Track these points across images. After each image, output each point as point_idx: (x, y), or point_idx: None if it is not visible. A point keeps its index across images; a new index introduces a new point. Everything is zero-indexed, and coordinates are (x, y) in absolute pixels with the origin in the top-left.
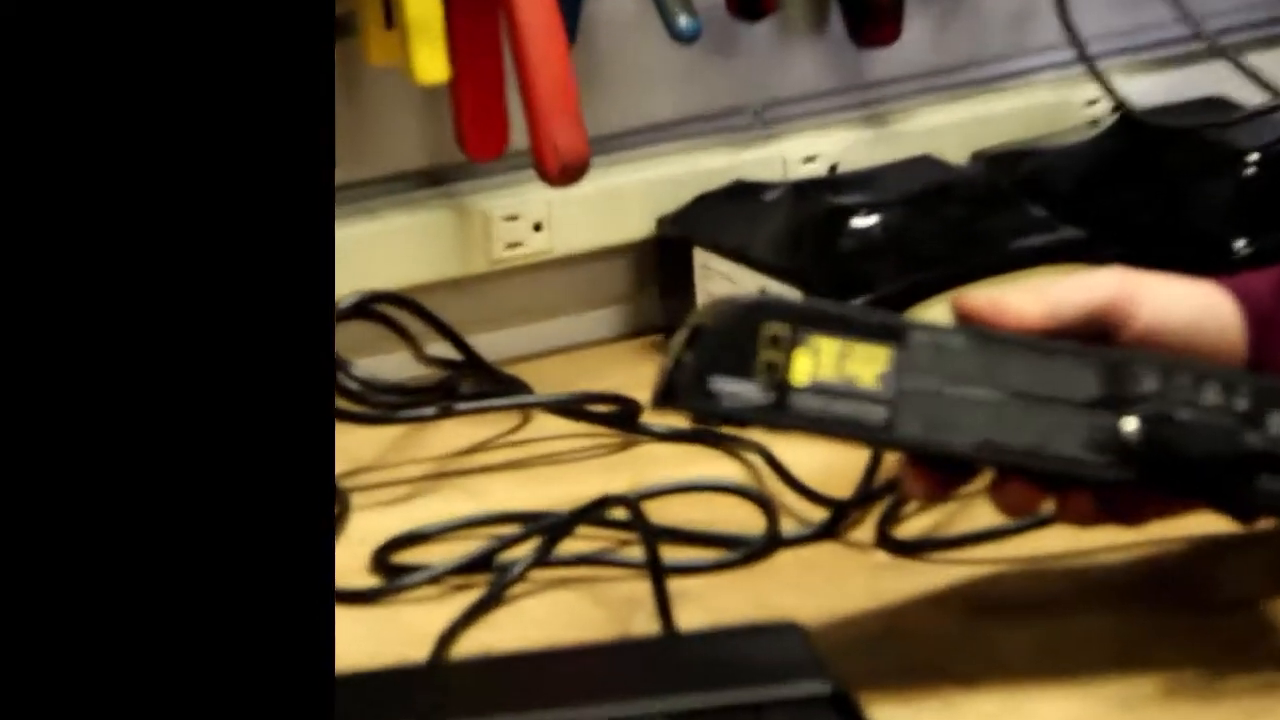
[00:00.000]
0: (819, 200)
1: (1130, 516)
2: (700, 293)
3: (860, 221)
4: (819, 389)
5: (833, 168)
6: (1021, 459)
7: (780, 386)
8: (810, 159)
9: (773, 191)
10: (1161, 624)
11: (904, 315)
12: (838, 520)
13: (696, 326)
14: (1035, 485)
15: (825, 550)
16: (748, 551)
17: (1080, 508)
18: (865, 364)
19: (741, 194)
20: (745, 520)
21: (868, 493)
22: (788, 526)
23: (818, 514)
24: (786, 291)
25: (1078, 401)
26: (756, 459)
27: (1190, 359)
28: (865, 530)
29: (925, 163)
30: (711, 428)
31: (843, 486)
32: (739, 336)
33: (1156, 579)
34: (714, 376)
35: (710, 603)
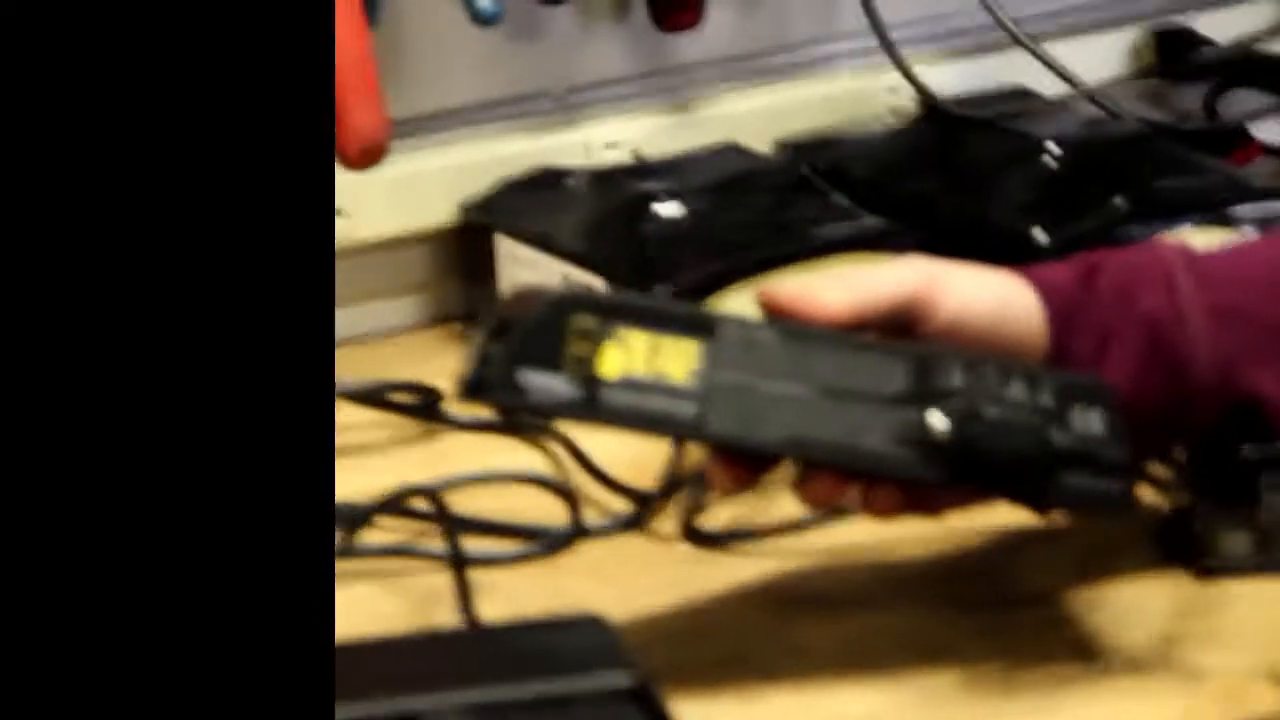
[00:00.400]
0: (622, 187)
1: (932, 508)
2: (503, 280)
3: (663, 209)
4: (629, 383)
5: (636, 154)
6: (830, 454)
7: (590, 380)
8: (613, 145)
9: (576, 178)
10: (962, 616)
11: (715, 309)
12: (642, 512)
13: (503, 317)
14: (841, 478)
15: (629, 542)
16: (550, 543)
17: (885, 501)
18: (675, 358)
19: (544, 181)
20: (549, 511)
21: (672, 484)
22: (591, 518)
23: (622, 505)
24: (590, 279)
25: (885, 397)
26: (560, 450)
27: (995, 355)
28: (669, 522)
29: (728, 150)
30: (517, 419)
31: (647, 478)
32: (548, 329)
33: (956, 572)
34: (522, 369)
35: (513, 594)
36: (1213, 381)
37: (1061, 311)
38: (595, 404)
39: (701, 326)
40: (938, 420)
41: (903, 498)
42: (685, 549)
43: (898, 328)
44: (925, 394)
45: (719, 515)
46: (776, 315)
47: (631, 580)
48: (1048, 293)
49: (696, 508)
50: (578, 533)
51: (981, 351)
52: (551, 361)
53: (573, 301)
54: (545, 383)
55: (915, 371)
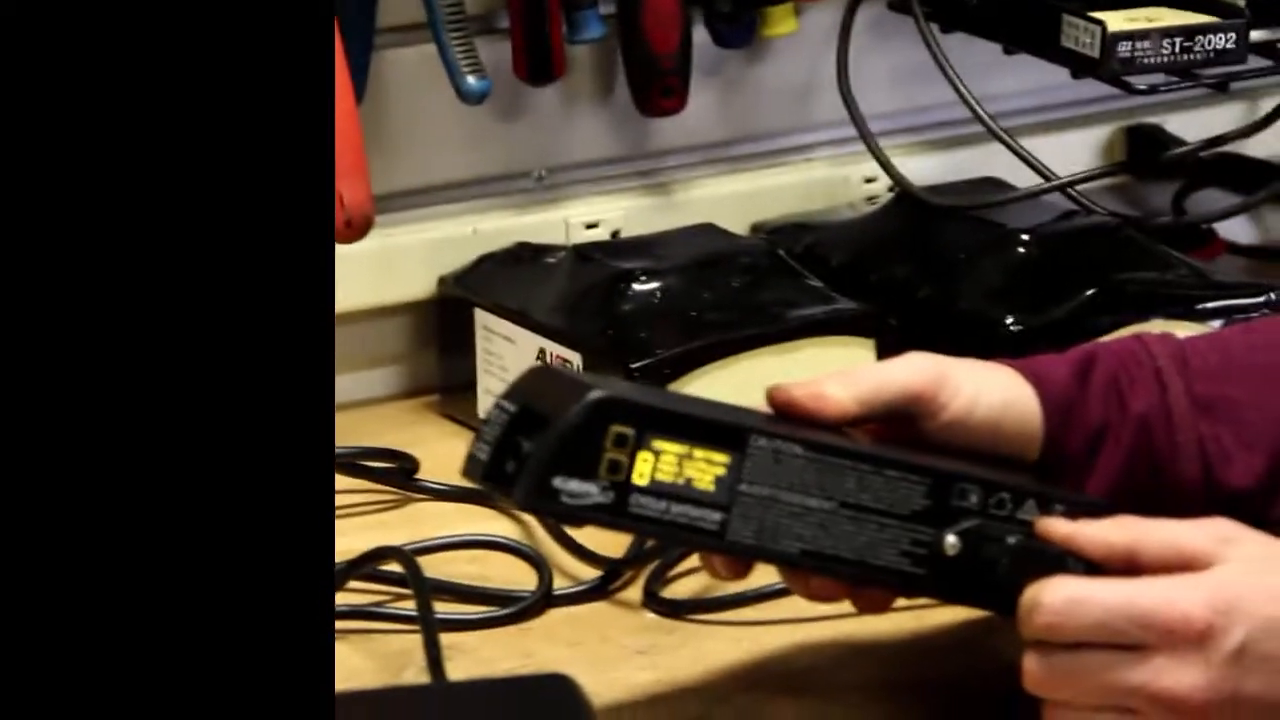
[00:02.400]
0: (600, 264)
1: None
2: (481, 354)
3: (640, 286)
4: (657, 492)
5: (615, 233)
6: (843, 568)
7: (621, 487)
8: (593, 225)
9: (555, 255)
10: (927, 691)
11: (749, 417)
12: (609, 579)
13: (529, 408)
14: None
15: (596, 608)
16: (520, 607)
17: (878, 602)
18: (704, 467)
19: (523, 256)
20: (518, 577)
21: (639, 552)
22: (560, 584)
23: (589, 572)
24: (566, 353)
25: (903, 515)
26: (530, 518)
27: (1010, 475)
28: (636, 589)
29: (706, 231)
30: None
31: (615, 545)
32: (585, 436)
33: (924, 645)
34: (558, 476)
35: (481, 657)
36: (1198, 479)
37: (1058, 409)
38: (624, 512)
39: (733, 437)
40: (952, 542)
41: (892, 597)
42: (651, 617)
43: (901, 420)
44: (942, 514)
45: (685, 584)
46: (785, 412)
47: (598, 646)
48: (1045, 388)
49: (661, 576)
50: (546, 599)
51: (981, 447)
52: (587, 470)
53: (611, 409)
54: (578, 489)
55: (933, 490)
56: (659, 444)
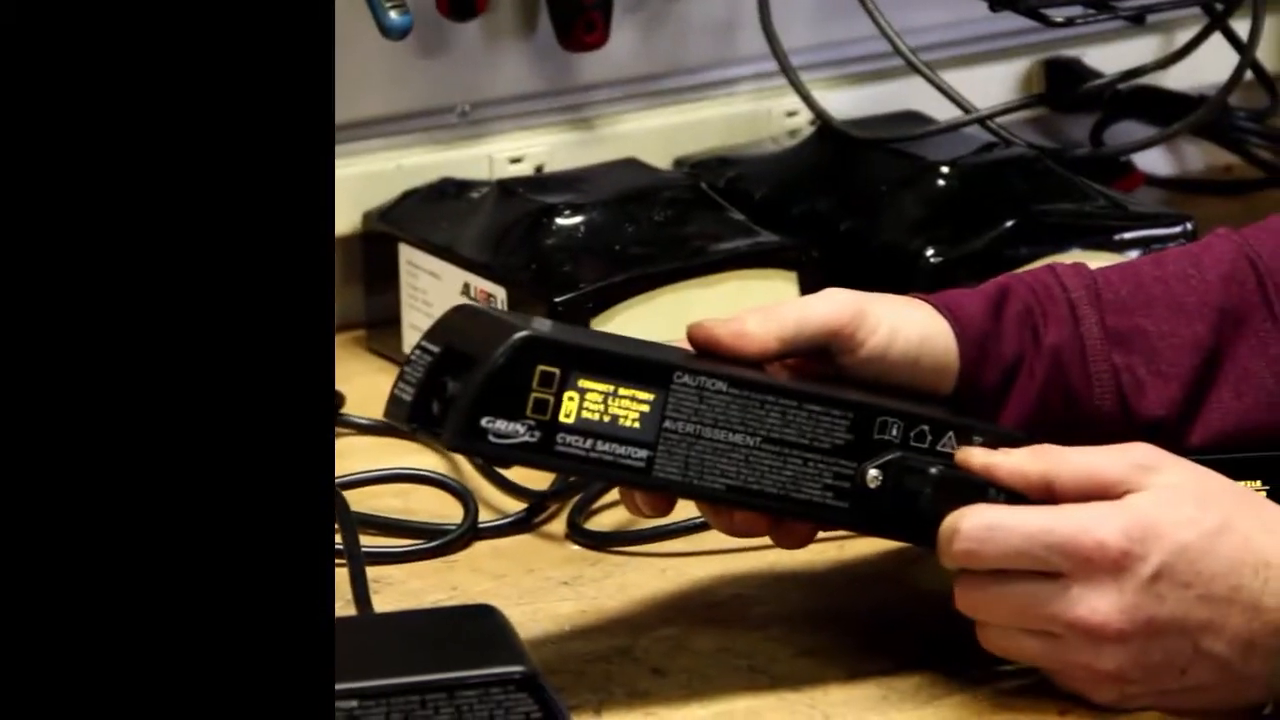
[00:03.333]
0: (524, 199)
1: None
2: (405, 289)
3: (564, 221)
4: (583, 431)
5: (538, 169)
6: (767, 502)
7: (547, 426)
8: (517, 159)
9: (479, 190)
10: (848, 620)
11: (674, 354)
12: (534, 511)
13: (454, 348)
14: (764, 518)
15: (521, 541)
16: (445, 540)
17: (798, 537)
18: (630, 405)
19: (448, 192)
20: (444, 511)
21: (563, 486)
22: (485, 517)
23: (514, 505)
24: (490, 288)
25: (826, 449)
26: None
27: (930, 408)
28: (560, 522)
29: (629, 166)
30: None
31: (539, 479)
32: (511, 376)
33: (845, 575)
34: (485, 416)
35: (408, 590)
36: (1114, 410)
37: (973, 343)
38: (551, 451)
39: (657, 374)
40: (874, 475)
41: (813, 530)
42: (575, 549)
43: (820, 355)
44: (864, 448)
45: (609, 516)
46: (706, 349)
47: (523, 578)
48: (960, 323)
49: (585, 509)
50: (472, 531)
51: (900, 381)
52: (513, 409)
53: (537, 348)
54: (505, 429)
55: (856, 424)
56: (584, 383)
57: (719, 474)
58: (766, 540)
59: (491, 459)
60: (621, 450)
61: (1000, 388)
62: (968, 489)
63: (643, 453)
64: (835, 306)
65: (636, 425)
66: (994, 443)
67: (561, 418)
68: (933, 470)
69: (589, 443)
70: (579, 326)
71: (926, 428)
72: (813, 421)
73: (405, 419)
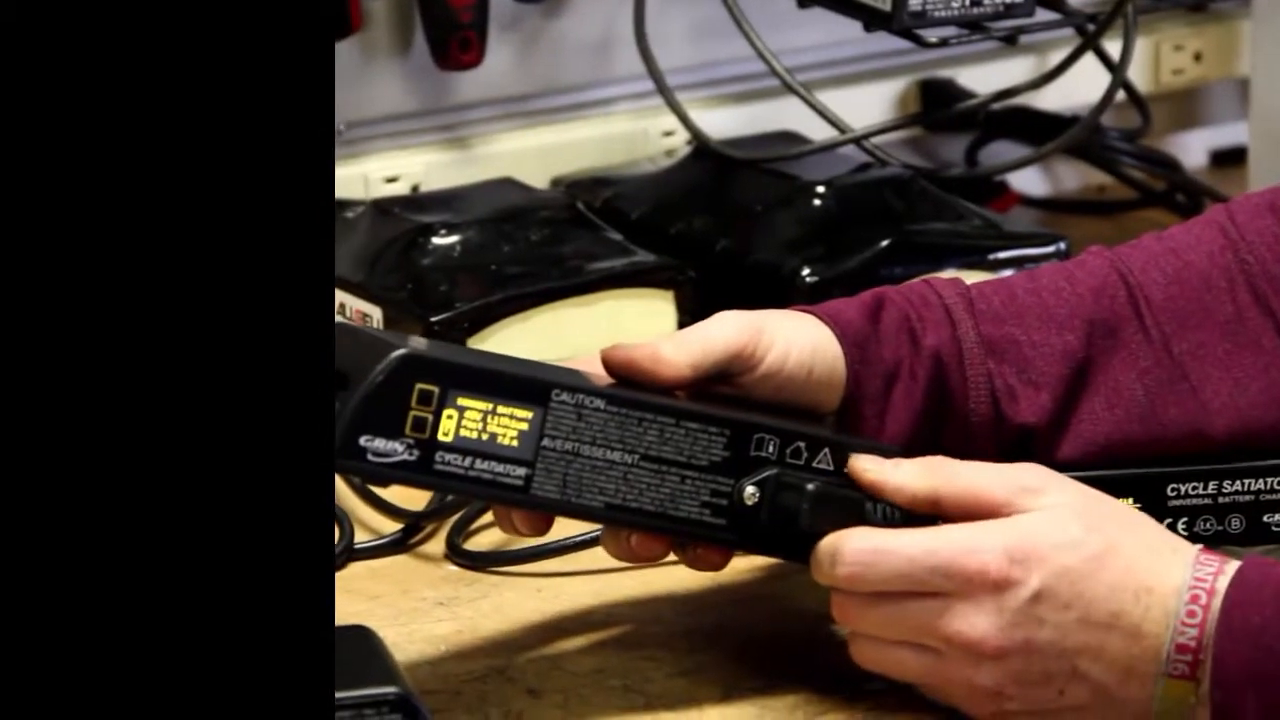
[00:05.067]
0: (399, 219)
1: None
2: None
3: (440, 240)
4: (462, 449)
5: (414, 188)
6: (646, 521)
7: (426, 445)
8: (392, 179)
9: (354, 209)
10: (724, 637)
11: (552, 372)
12: (410, 532)
13: (339, 374)
14: (658, 540)
15: (397, 562)
16: None
17: (708, 559)
18: (508, 424)
19: None
20: None
21: (439, 506)
22: (361, 537)
23: (391, 526)
24: (366, 307)
25: (703, 465)
26: None
27: (805, 424)
28: (437, 542)
29: (506, 185)
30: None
31: (416, 499)
32: (389, 395)
33: (723, 595)
34: (364, 435)
35: None
36: (988, 415)
37: (855, 346)
38: (430, 470)
39: (535, 392)
40: (750, 492)
41: (725, 554)
42: (453, 569)
43: (722, 377)
44: (741, 464)
45: (487, 537)
46: (621, 373)
47: (399, 599)
48: (843, 330)
49: (464, 529)
50: (348, 552)
51: (795, 394)
52: (392, 428)
53: (415, 367)
54: (384, 448)
55: (732, 441)
56: (463, 400)
57: (597, 492)
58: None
59: (370, 478)
60: (500, 469)
61: (882, 393)
62: (845, 505)
63: (521, 470)
64: (734, 329)
65: (515, 443)
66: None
67: (440, 436)
68: (809, 486)
69: (468, 461)
70: (458, 345)
71: (803, 444)
72: (690, 438)
73: None
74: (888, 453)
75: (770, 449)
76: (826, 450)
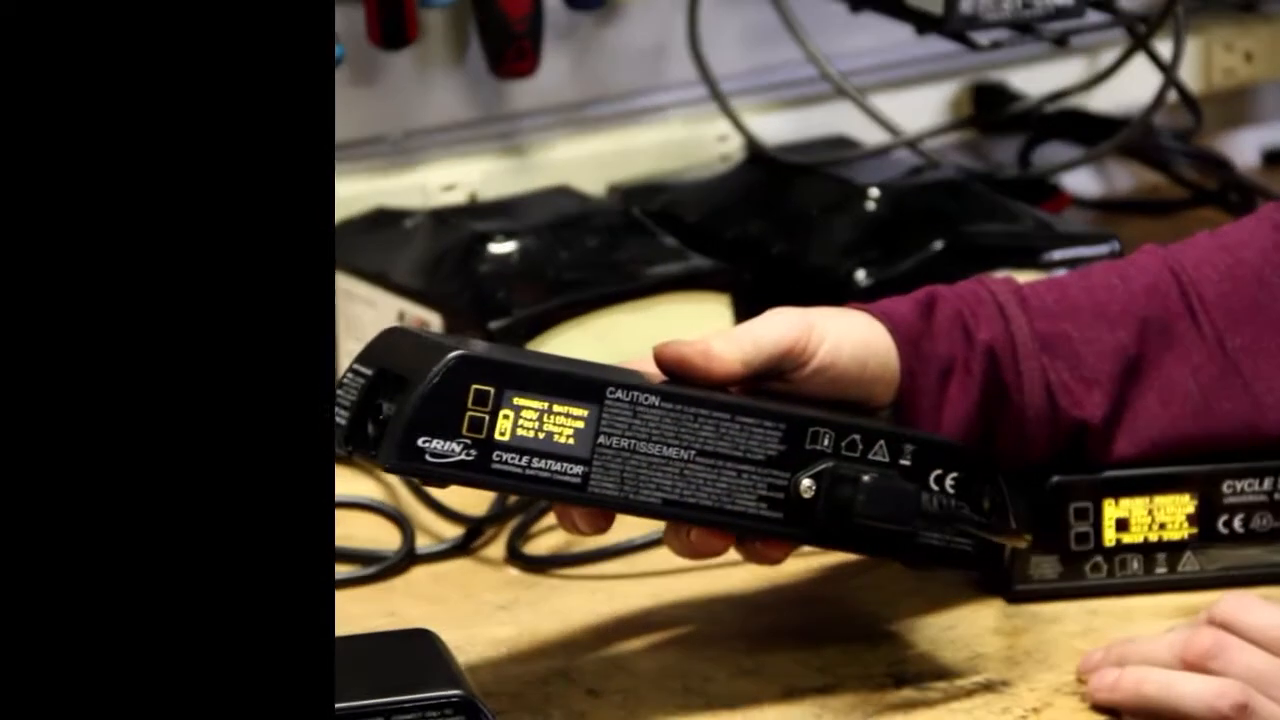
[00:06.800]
0: (458, 227)
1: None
2: (341, 317)
3: (498, 248)
4: (519, 449)
5: (472, 196)
6: (703, 515)
7: (483, 444)
8: (450, 187)
9: (413, 218)
10: (782, 639)
11: (607, 371)
12: (471, 536)
13: (388, 370)
14: (718, 535)
15: (459, 566)
16: (383, 566)
17: (770, 554)
18: (564, 421)
19: (382, 221)
20: (381, 536)
21: (500, 510)
22: (423, 542)
23: (452, 531)
24: (425, 315)
25: (759, 460)
26: (393, 477)
27: (861, 418)
28: (498, 547)
29: (562, 193)
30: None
31: (477, 504)
32: (445, 396)
33: (779, 596)
34: (421, 436)
35: (346, 615)
36: (1043, 410)
37: (909, 342)
38: (488, 469)
39: (591, 390)
40: (807, 485)
41: (787, 547)
42: (513, 573)
43: (776, 374)
44: (796, 458)
45: (547, 540)
46: (673, 370)
47: (461, 603)
48: (895, 326)
49: (523, 533)
50: (409, 557)
51: (848, 388)
52: (449, 429)
53: (471, 367)
54: (442, 448)
55: (788, 435)
56: (519, 400)
57: (654, 488)
58: (705, 562)
59: (429, 479)
60: (557, 466)
61: (938, 388)
62: (899, 496)
63: (578, 468)
64: (786, 325)
65: (571, 441)
66: (927, 450)
67: (497, 435)
68: (864, 478)
69: (525, 460)
70: (514, 347)
71: (858, 437)
72: (745, 433)
73: (341, 442)
74: (946, 444)
75: (826, 442)
76: (882, 442)
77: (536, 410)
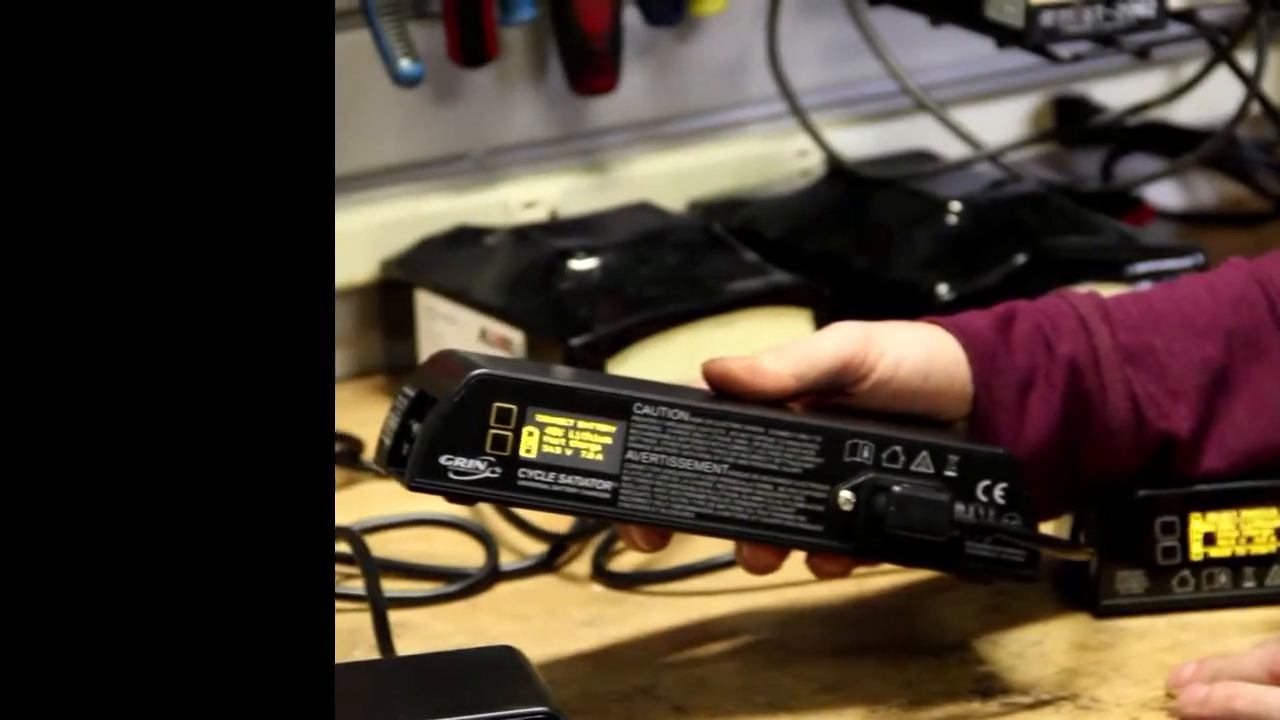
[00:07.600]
0: (539, 244)
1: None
2: (424, 335)
3: (579, 264)
4: (545, 465)
5: (552, 213)
6: (739, 529)
7: (508, 461)
8: (531, 204)
9: (494, 236)
10: (866, 655)
11: (632, 385)
12: (555, 554)
13: (423, 391)
14: (778, 550)
15: (543, 583)
16: (468, 583)
17: (827, 568)
18: (591, 438)
19: (464, 238)
20: (466, 554)
21: (584, 527)
22: (507, 560)
23: (536, 548)
24: (508, 332)
25: (794, 473)
26: None
27: (903, 429)
28: (582, 563)
29: (642, 209)
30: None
31: (560, 521)
32: (468, 414)
33: (862, 612)
34: (444, 454)
35: (430, 633)
36: (1129, 422)
37: (983, 355)
38: (513, 485)
39: (617, 407)
40: (847, 497)
41: (842, 562)
42: (597, 589)
43: (836, 389)
44: (836, 470)
45: (629, 557)
46: (720, 387)
47: (545, 619)
48: (969, 339)
49: (607, 550)
50: (494, 574)
51: (912, 402)
52: (472, 446)
53: (492, 386)
54: (465, 466)
55: (825, 447)
56: (543, 417)
57: (687, 502)
58: (787, 578)
59: (453, 497)
60: (585, 483)
61: (1016, 401)
62: (932, 507)
63: (607, 484)
64: (843, 338)
65: (600, 457)
66: (972, 461)
67: (522, 453)
68: (895, 489)
69: (551, 476)
70: (545, 364)
71: (899, 448)
72: (780, 446)
73: (385, 462)
74: (993, 455)
75: (865, 454)
76: (925, 454)
77: (561, 427)
